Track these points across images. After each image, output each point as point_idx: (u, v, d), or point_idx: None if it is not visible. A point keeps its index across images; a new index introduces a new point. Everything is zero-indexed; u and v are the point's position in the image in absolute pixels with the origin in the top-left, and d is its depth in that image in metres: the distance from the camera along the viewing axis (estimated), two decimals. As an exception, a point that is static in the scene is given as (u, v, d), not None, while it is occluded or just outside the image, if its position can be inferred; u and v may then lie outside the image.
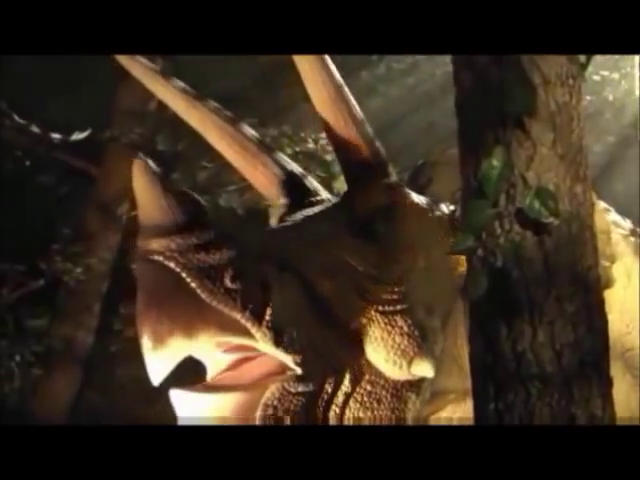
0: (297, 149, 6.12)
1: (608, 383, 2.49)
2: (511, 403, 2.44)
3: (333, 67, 3.36)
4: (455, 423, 3.29)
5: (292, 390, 3.03)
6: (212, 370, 3.18)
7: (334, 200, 3.48)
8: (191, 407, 3.06)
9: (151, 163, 2.97)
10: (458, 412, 3.31)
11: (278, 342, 2.98)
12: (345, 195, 3.44)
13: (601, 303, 2.55)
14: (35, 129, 6.79)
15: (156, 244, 2.93)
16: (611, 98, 7.54)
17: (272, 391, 3.01)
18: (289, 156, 3.79)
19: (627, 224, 4.03)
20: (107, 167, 7.22)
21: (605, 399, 2.45)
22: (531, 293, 2.48)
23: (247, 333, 2.97)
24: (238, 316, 2.94)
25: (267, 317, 2.98)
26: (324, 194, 3.59)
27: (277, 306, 3.01)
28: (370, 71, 7.52)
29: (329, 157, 6.06)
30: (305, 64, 3.31)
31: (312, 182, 3.60)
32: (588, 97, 7.38)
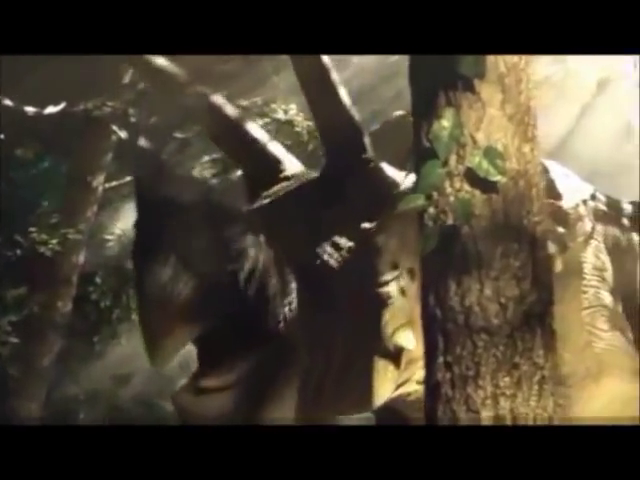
0: (267, 120, 6.21)
1: (551, 334, 2.58)
2: (459, 355, 2.53)
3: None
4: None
5: None
6: None
7: (311, 176, 3.68)
8: None
9: None
10: None
11: None
12: (323, 172, 3.63)
13: (547, 258, 2.65)
14: (9, 102, 6.81)
15: None
16: (574, 67, 7.68)
17: None
18: (259, 127, 3.95)
19: (588, 189, 4.12)
20: (83, 139, 7.26)
21: (548, 349, 2.55)
22: (479, 249, 2.57)
23: None
24: None
25: None
26: (298, 167, 3.77)
27: None
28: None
29: (297, 128, 6.20)
30: None
31: (289, 156, 3.80)
32: (552, 67, 7.49)
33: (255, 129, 3.84)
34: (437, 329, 2.58)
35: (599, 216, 3.99)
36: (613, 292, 3.89)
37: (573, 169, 4.20)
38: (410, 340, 3.48)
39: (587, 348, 3.69)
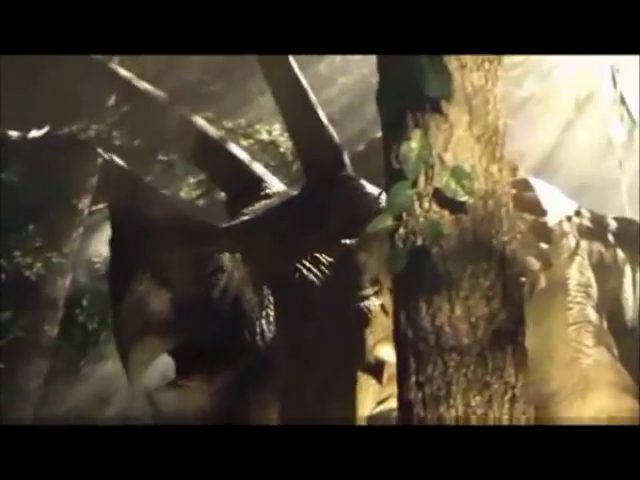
0: (251, 141, 6.27)
1: (522, 353, 2.59)
2: (430, 375, 2.54)
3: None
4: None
5: None
6: None
7: (291, 194, 3.69)
8: None
9: None
10: None
11: None
12: (302, 190, 3.66)
13: (517, 276, 2.66)
14: (-6, 126, 6.83)
15: None
16: (558, 83, 7.78)
17: None
18: (243, 148, 4.00)
19: (573, 205, 4.14)
20: (68, 162, 7.28)
21: (519, 368, 2.55)
22: (449, 269, 2.58)
23: None
24: None
25: None
26: (279, 186, 3.79)
27: None
28: (328, 63, 7.71)
29: (282, 148, 6.26)
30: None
31: (269, 175, 3.82)
32: (538, 84, 7.57)
33: (235, 148, 3.88)
34: (409, 349, 2.59)
35: (583, 232, 4.01)
36: (598, 308, 3.90)
37: (559, 183, 4.23)
38: (392, 354, 3.48)
39: (573, 364, 3.71)
